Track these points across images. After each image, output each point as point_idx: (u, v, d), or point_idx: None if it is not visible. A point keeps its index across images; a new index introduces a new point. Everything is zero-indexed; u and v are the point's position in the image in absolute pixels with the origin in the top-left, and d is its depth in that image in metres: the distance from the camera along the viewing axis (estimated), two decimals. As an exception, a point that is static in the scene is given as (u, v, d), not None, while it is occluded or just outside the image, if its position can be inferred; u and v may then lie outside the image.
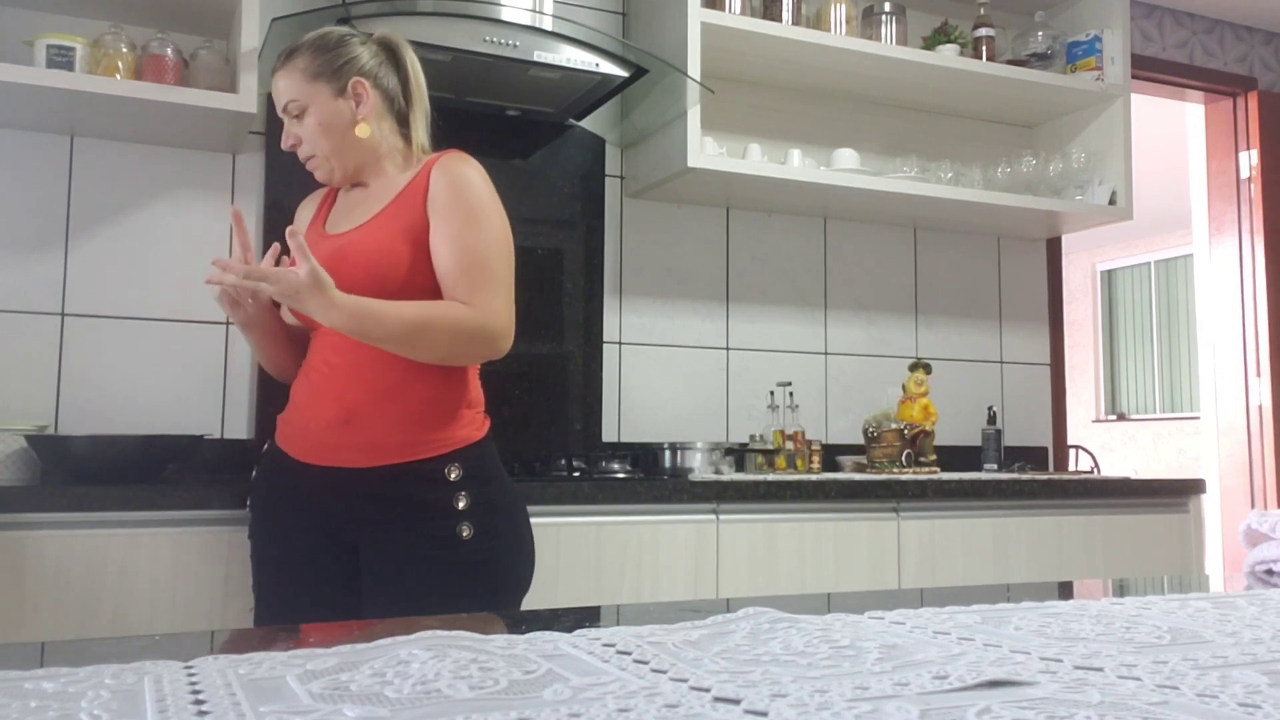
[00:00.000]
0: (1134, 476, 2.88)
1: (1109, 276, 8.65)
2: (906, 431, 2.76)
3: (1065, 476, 2.70)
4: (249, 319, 1.67)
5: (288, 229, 1.49)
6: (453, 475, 1.58)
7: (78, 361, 2.32)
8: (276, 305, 1.70)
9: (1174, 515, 2.67)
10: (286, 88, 1.68)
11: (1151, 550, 2.62)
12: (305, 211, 1.85)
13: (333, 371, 1.64)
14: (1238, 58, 3.91)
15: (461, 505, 1.57)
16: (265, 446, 1.74)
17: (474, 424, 1.65)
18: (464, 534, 1.57)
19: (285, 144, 1.71)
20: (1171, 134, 4.79)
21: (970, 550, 2.43)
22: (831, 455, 2.92)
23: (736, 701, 0.45)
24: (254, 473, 1.77)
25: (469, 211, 1.60)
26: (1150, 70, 3.69)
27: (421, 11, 2.22)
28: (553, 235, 2.75)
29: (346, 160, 1.70)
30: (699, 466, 2.53)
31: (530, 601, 1.84)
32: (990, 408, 3.09)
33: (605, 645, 0.56)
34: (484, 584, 1.59)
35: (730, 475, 2.45)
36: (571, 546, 2.07)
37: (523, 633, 0.57)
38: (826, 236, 3.10)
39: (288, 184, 2.49)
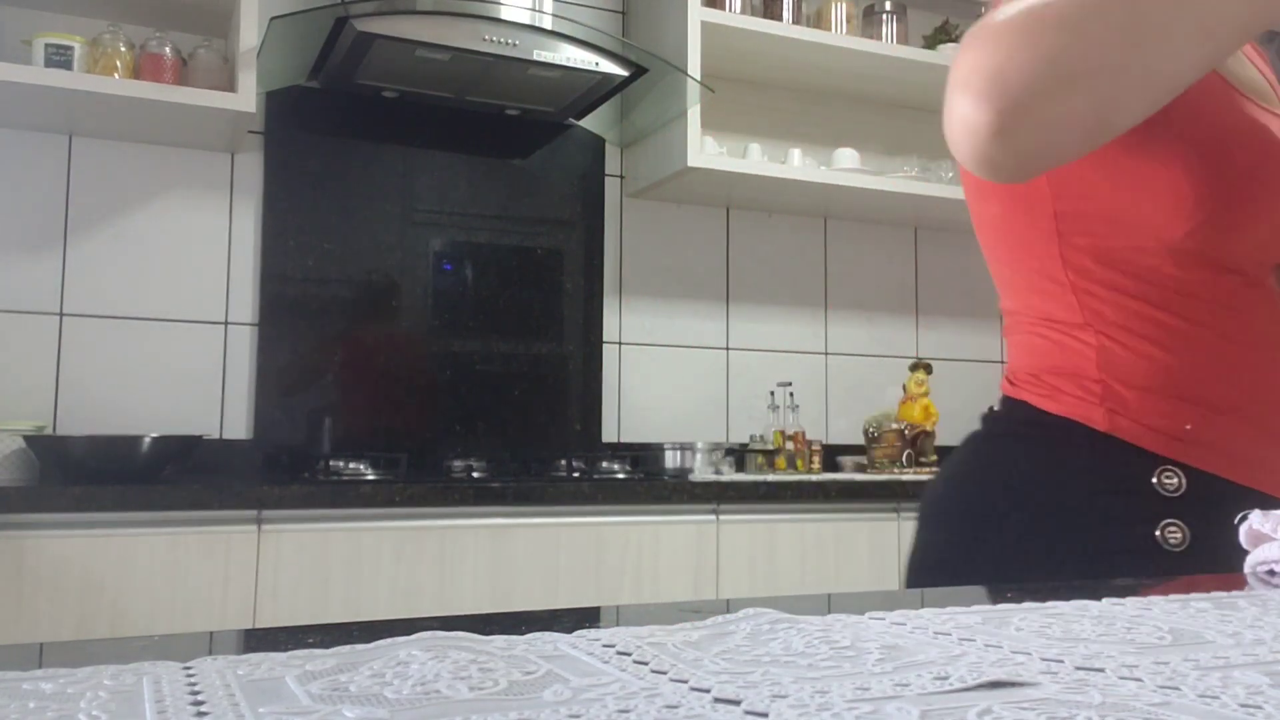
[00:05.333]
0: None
1: (1109, 276, 8.65)
2: (907, 432, 2.76)
3: (1065, 476, 2.69)
4: None
5: None
6: None
7: (76, 361, 2.32)
8: None
9: (1174, 515, 2.66)
10: None
11: (1151, 550, 2.62)
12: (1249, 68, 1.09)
13: None
14: (1238, 57, 3.91)
15: None
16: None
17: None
18: None
19: None
20: (1171, 134, 4.79)
21: (970, 550, 2.43)
22: (832, 455, 2.91)
23: (737, 702, 0.45)
24: None
25: None
26: (1150, 70, 3.69)
27: (421, 11, 2.21)
28: (553, 235, 2.75)
29: None
30: (699, 467, 2.53)
31: (529, 602, 1.84)
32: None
33: (605, 646, 0.56)
34: None
35: (730, 476, 2.45)
36: (571, 547, 2.06)
37: (522, 633, 0.57)
38: (826, 236, 3.10)
39: (287, 184, 2.49)
